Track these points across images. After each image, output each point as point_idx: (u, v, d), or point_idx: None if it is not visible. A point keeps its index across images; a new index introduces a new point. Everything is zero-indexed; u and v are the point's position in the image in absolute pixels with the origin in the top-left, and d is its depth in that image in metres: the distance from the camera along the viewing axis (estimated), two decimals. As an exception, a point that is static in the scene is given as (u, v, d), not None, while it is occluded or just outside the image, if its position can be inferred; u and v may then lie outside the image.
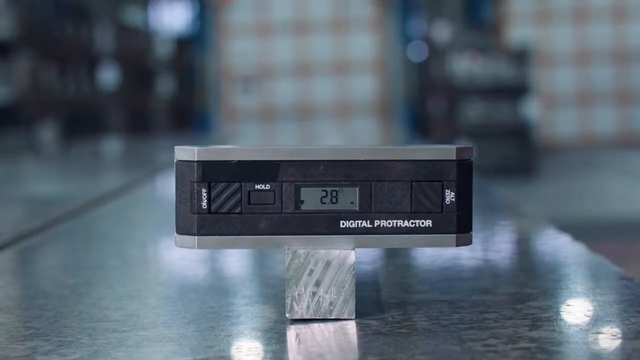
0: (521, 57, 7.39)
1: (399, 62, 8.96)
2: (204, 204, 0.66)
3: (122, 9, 10.30)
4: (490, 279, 0.84)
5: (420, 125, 8.77)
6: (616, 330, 0.64)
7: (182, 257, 0.99)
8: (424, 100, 8.80)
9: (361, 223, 0.67)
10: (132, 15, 10.82)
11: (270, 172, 0.66)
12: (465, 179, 0.67)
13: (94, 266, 1.00)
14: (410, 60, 9.06)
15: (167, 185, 2.09)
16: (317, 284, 0.67)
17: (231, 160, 0.66)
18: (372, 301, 0.74)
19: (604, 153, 8.41)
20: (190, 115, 10.14)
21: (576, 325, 0.66)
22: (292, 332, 0.65)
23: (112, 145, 5.15)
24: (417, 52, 9.09)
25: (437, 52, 8.45)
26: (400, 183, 0.66)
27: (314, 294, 0.67)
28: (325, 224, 0.66)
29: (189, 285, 0.86)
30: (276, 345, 0.63)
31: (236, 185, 0.66)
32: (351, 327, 0.66)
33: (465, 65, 7.44)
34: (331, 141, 3.95)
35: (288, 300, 0.67)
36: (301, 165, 0.66)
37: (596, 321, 0.67)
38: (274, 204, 0.66)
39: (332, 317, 0.68)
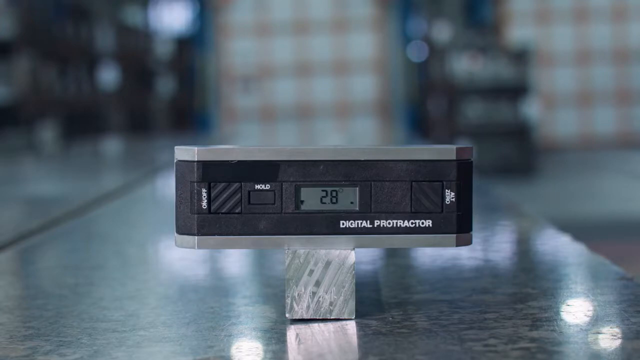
0: (521, 57, 7.39)
1: (399, 62, 8.96)
2: (204, 204, 0.66)
3: (122, 9, 10.30)
4: (490, 279, 0.84)
5: (420, 125, 8.77)
6: (616, 330, 0.64)
7: (182, 257, 0.99)
8: (424, 100, 8.80)
9: (361, 223, 0.67)
10: (132, 15, 10.82)
11: (270, 172, 0.66)
12: (465, 179, 0.67)
13: (94, 266, 1.00)
14: (410, 60, 9.06)
15: (166, 185, 2.09)
16: (317, 284, 0.67)
17: (231, 160, 0.66)
18: (372, 301, 0.74)
19: (604, 153, 8.41)
20: (190, 115, 10.14)
21: (576, 325, 0.66)
22: (292, 332, 0.65)
23: (112, 145, 5.15)
24: (417, 52, 9.09)
25: (437, 52, 8.45)
26: (400, 183, 0.66)
27: (314, 294, 0.67)
28: (325, 224, 0.66)
29: (189, 286, 0.86)
30: (276, 345, 0.63)
31: (236, 185, 0.66)
32: (351, 327, 0.66)
33: (465, 65, 7.44)
34: (331, 141, 3.95)
35: (288, 300, 0.67)
36: (301, 165, 0.66)
37: (596, 321, 0.67)
38: (274, 204, 0.66)
39: (332, 317, 0.68)
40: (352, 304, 0.68)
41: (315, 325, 0.66)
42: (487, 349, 0.59)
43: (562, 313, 0.70)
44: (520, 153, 7.16)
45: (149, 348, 0.62)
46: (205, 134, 8.10)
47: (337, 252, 0.67)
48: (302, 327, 0.66)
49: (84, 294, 0.82)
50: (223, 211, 0.66)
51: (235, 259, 0.98)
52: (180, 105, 11.07)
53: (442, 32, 8.90)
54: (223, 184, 0.66)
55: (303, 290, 0.67)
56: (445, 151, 0.66)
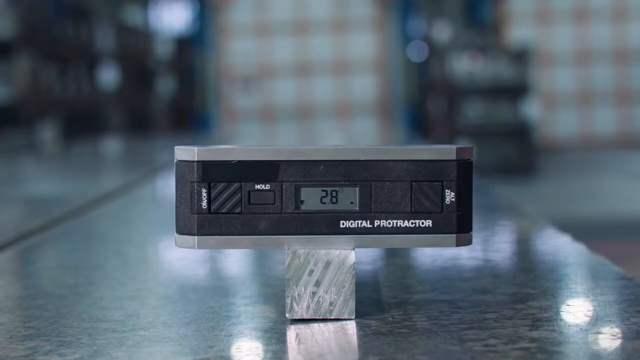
0: (521, 57, 7.39)
1: (399, 62, 8.96)
2: (204, 204, 0.66)
3: (122, 9, 10.30)
4: (490, 279, 0.84)
5: (420, 125, 8.77)
6: (616, 330, 0.64)
7: (182, 257, 0.99)
8: (424, 100, 8.80)
9: (361, 223, 0.67)
10: (132, 15, 10.82)
11: (270, 172, 0.66)
12: (465, 179, 0.67)
13: (94, 266, 1.00)
14: (410, 60, 9.06)
15: (166, 185, 2.09)
16: (317, 284, 0.67)
17: (231, 160, 0.66)
18: (372, 301, 0.74)
19: (604, 153, 8.41)
20: (190, 115, 10.14)
21: (576, 325, 0.66)
22: (292, 332, 0.65)
23: (111, 145, 5.15)
24: (417, 52, 9.08)
25: (437, 52, 8.45)
26: (400, 183, 0.66)
27: (314, 294, 0.67)
28: (325, 224, 0.66)
29: (189, 286, 0.86)
30: (276, 345, 0.63)
31: (236, 185, 0.66)
32: (351, 327, 0.66)
33: (465, 65, 7.44)
34: (331, 141, 3.95)
35: (288, 300, 0.67)
36: (301, 165, 0.66)
37: (596, 321, 0.67)
38: (274, 204, 0.66)
39: (332, 317, 0.67)
40: (352, 304, 0.68)
41: (315, 325, 0.66)
42: (487, 349, 0.59)
43: (562, 313, 0.70)
44: (520, 153, 7.16)
45: (149, 348, 0.62)
46: (205, 134, 8.10)
47: (337, 252, 0.67)
48: (302, 327, 0.66)
49: (84, 294, 0.82)
50: (223, 211, 0.66)
51: (235, 259, 0.98)
52: (180, 105, 11.07)
53: (442, 32, 8.90)
54: (223, 184, 0.66)
55: (303, 290, 0.67)
56: (445, 151, 0.66)
